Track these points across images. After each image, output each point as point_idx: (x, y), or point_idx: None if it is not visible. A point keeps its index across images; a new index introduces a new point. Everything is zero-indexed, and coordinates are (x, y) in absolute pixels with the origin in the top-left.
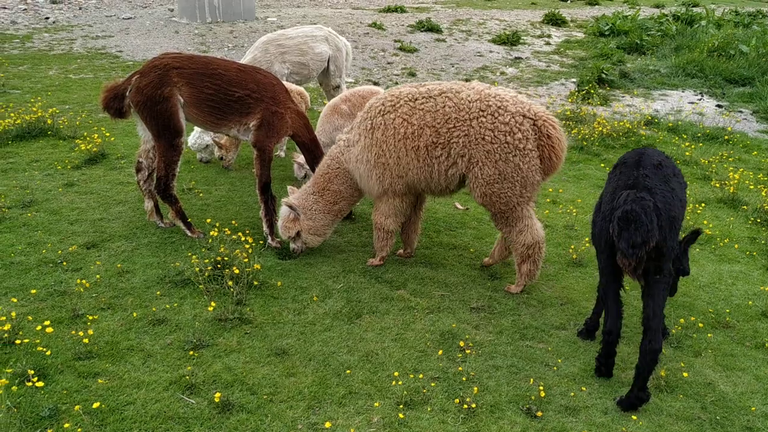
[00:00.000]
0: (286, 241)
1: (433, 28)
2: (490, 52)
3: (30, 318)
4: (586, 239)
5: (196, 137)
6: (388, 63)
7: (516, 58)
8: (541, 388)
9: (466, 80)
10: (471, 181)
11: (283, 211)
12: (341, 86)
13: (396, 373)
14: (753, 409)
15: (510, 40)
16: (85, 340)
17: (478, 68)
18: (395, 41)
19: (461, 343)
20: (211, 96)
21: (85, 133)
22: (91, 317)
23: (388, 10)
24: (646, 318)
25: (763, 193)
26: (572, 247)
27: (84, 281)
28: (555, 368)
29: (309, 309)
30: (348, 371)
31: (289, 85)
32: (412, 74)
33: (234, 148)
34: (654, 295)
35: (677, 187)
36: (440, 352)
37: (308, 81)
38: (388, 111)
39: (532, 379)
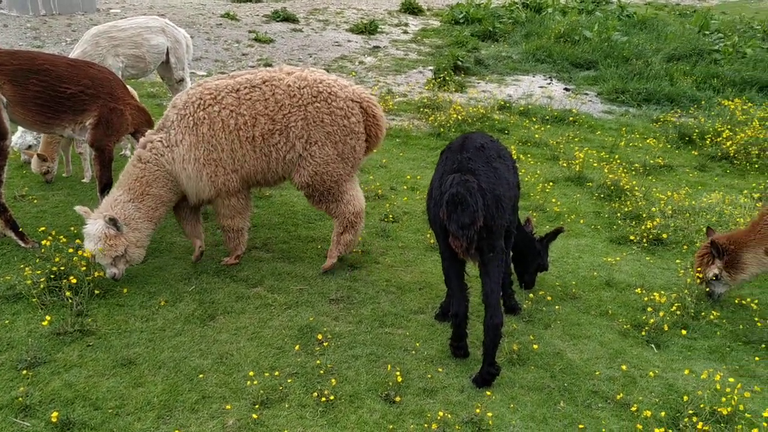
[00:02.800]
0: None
1: (289, 18)
2: (348, 41)
3: None
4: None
5: (18, 137)
6: (243, 54)
7: (374, 47)
8: (398, 373)
9: (326, 70)
10: (304, 161)
11: (98, 228)
12: (185, 79)
13: (251, 373)
14: (598, 373)
15: (368, 29)
16: None
17: (336, 58)
18: (250, 32)
19: (319, 336)
20: (38, 94)
21: None
22: None
23: (242, 0)
24: (485, 295)
25: (606, 170)
26: (429, 232)
27: None
28: (414, 352)
29: (158, 315)
30: (201, 375)
31: None
32: (269, 65)
33: (54, 156)
34: (490, 273)
35: (502, 167)
36: (297, 347)
37: (146, 75)
38: (209, 104)
39: (389, 366)
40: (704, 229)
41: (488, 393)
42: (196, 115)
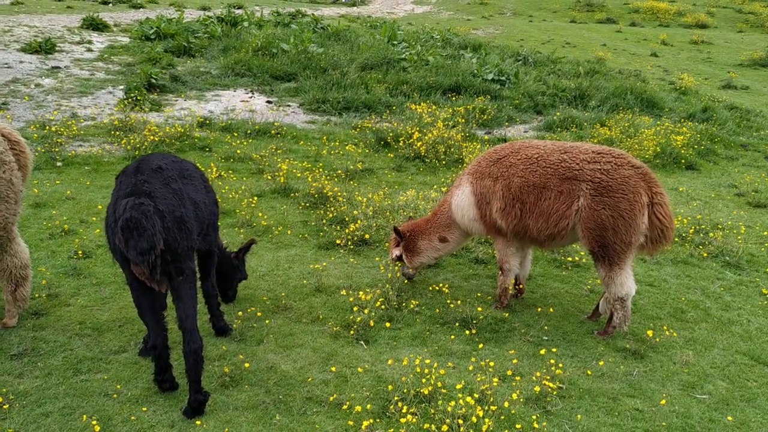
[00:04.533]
0: None
1: None
2: (21, 62)
3: None
4: None
5: None
6: None
7: (53, 67)
8: (95, 423)
9: None
10: None
11: None
12: None
13: None
14: (311, 379)
15: (44, 48)
16: None
17: (7, 81)
18: None
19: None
20: None
21: None
22: None
23: None
24: (180, 320)
25: (309, 179)
26: None
27: None
28: (115, 396)
29: None
30: None
31: None
32: None
33: None
34: (183, 297)
35: (185, 187)
36: None
37: None
38: None
39: (86, 416)
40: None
41: (198, 422)
42: None
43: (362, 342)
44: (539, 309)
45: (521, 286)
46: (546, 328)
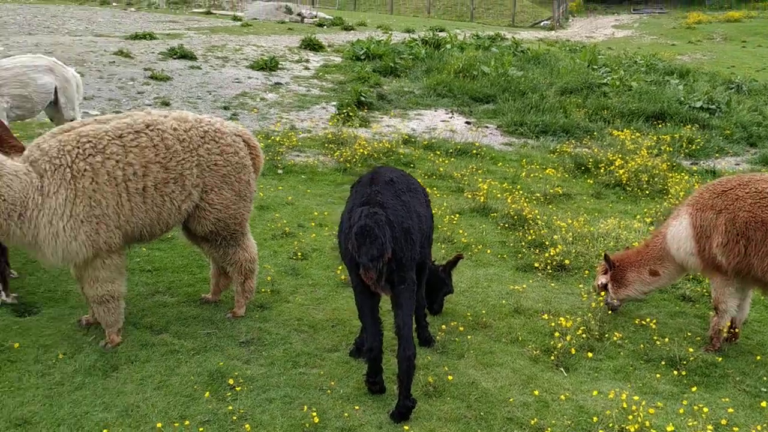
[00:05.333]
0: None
1: (186, 55)
2: (249, 78)
3: None
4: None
5: None
6: (139, 93)
7: (276, 83)
8: (315, 414)
9: (225, 108)
10: (202, 210)
11: None
12: (77, 119)
13: (159, 425)
14: (512, 400)
15: (269, 65)
16: None
17: (237, 95)
18: (146, 69)
19: (231, 381)
20: None
21: None
22: None
23: (136, 37)
24: (398, 327)
25: (509, 200)
26: (340, 268)
27: None
28: (329, 392)
29: (55, 368)
30: (105, 431)
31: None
32: (166, 104)
33: None
34: (402, 305)
35: (412, 200)
36: (207, 394)
37: (33, 115)
38: (90, 154)
39: (305, 407)
40: (603, 254)
41: (405, 427)
42: (77, 166)
43: (562, 369)
44: (758, 357)
45: (736, 330)
46: (765, 378)
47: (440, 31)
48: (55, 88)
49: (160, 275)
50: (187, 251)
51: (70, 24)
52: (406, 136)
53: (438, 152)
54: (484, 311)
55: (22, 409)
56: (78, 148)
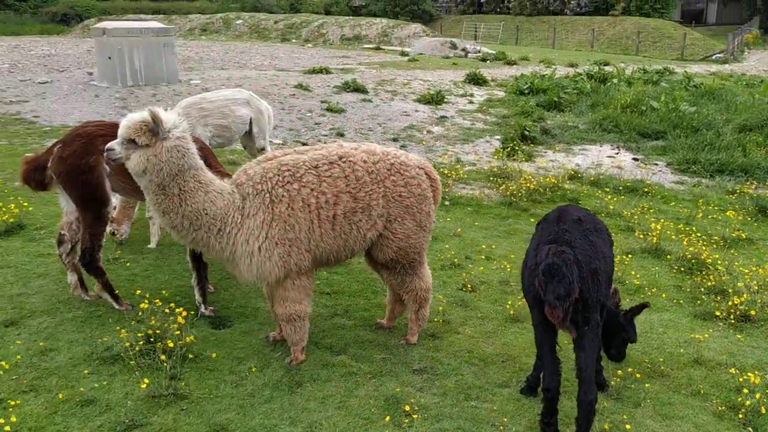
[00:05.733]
0: (219, 310)
1: (359, 89)
2: (416, 111)
3: None
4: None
5: None
6: (316, 123)
7: (441, 116)
8: None
9: (394, 140)
10: (385, 239)
11: None
12: (266, 148)
13: None
14: None
15: (434, 99)
16: (7, 428)
17: (405, 127)
18: (322, 102)
19: (407, 408)
20: None
21: (1, 203)
22: (12, 402)
23: (313, 71)
24: (579, 369)
25: (685, 242)
26: (509, 302)
27: (3, 363)
28: (501, 428)
29: (247, 380)
30: None
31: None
32: (341, 134)
33: (127, 220)
34: (584, 347)
35: (598, 241)
36: (387, 418)
37: (230, 144)
38: (289, 181)
39: None
40: None
41: None
42: (275, 192)
43: (750, 429)
44: None
45: None
46: None
47: (605, 65)
48: (251, 119)
49: (338, 298)
50: (363, 277)
51: (256, 59)
52: (572, 172)
53: (606, 189)
54: (661, 359)
55: (220, 416)
56: (278, 175)
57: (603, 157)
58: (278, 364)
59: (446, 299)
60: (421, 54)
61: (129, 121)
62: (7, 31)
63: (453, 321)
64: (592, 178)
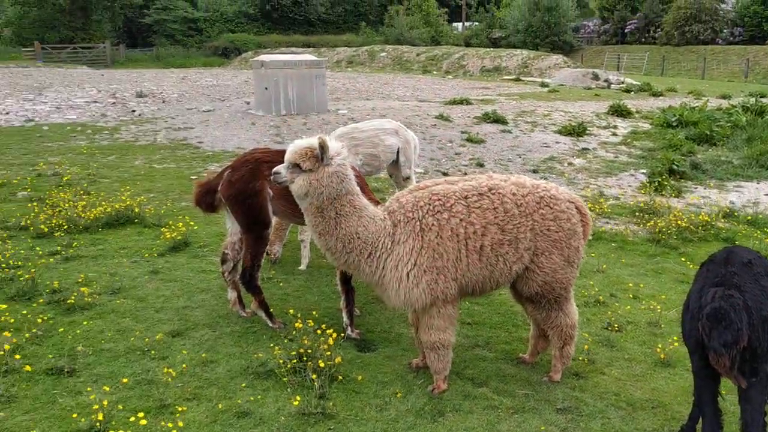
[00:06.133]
0: (364, 334)
1: (498, 120)
2: (557, 142)
3: (120, 407)
4: (675, 337)
5: None
6: (456, 153)
7: (583, 148)
8: None
9: (534, 171)
10: (531, 272)
11: None
12: (411, 177)
13: None
14: None
15: (576, 131)
16: None
17: (545, 159)
18: (462, 132)
19: None
20: None
21: (170, 222)
22: (179, 408)
23: (454, 102)
24: (745, 424)
25: None
26: (659, 346)
27: (170, 370)
28: None
29: (391, 405)
30: None
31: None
32: (480, 164)
33: (279, 240)
34: (751, 399)
35: None
36: None
37: (378, 173)
38: (439, 211)
39: None
40: None
41: None
42: (425, 220)
43: None
44: None
45: None
46: None
47: (762, 96)
48: (398, 149)
49: (479, 329)
50: (504, 308)
51: (399, 90)
52: (726, 210)
53: (766, 230)
54: None
55: None
56: (429, 204)
57: (761, 195)
58: (421, 391)
59: (591, 338)
60: (562, 85)
61: (296, 146)
62: (176, 63)
63: (598, 361)
64: (750, 217)
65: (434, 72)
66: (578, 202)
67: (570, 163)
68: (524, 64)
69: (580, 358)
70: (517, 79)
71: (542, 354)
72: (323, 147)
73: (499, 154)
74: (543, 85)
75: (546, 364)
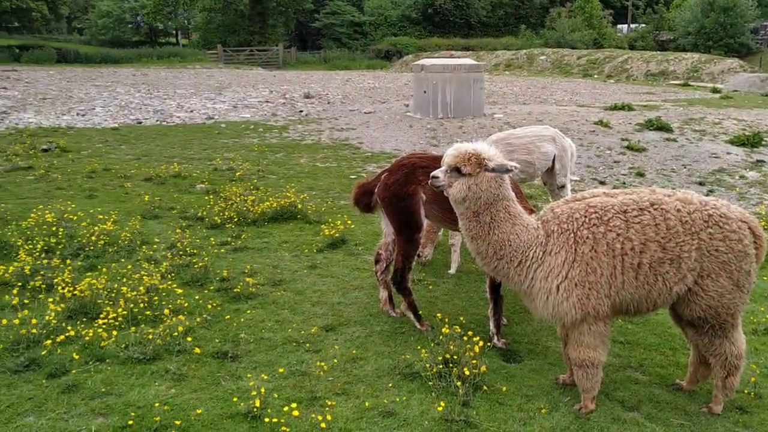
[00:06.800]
0: (510, 344)
1: (663, 127)
2: (728, 153)
3: (275, 395)
4: None
5: None
6: (615, 162)
7: (758, 161)
8: None
9: (700, 183)
10: (694, 295)
11: None
12: (566, 186)
13: None
14: None
15: (750, 141)
16: (323, 425)
17: (713, 170)
18: (622, 140)
19: None
20: None
21: (329, 219)
22: (329, 402)
23: (615, 108)
24: None
25: None
26: None
27: (323, 364)
28: None
29: (535, 420)
30: None
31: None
32: (641, 174)
33: (430, 243)
34: None
35: None
36: None
37: (532, 179)
38: (595, 224)
39: None
40: None
41: None
42: (580, 233)
43: None
44: None
45: None
46: None
47: None
48: (554, 156)
49: (632, 349)
50: (660, 329)
51: (557, 95)
52: None
53: None
54: None
55: None
56: (585, 216)
57: None
58: (567, 409)
59: (759, 369)
60: (736, 91)
61: (456, 150)
62: (341, 65)
63: (766, 396)
64: None
65: (595, 76)
66: (752, 222)
67: (742, 176)
68: (694, 68)
69: (745, 391)
70: (686, 84)
71: (702, 383)
72: (483, 152)
73: (662, 164)
74: (714, 90)
75: (705, 393)
